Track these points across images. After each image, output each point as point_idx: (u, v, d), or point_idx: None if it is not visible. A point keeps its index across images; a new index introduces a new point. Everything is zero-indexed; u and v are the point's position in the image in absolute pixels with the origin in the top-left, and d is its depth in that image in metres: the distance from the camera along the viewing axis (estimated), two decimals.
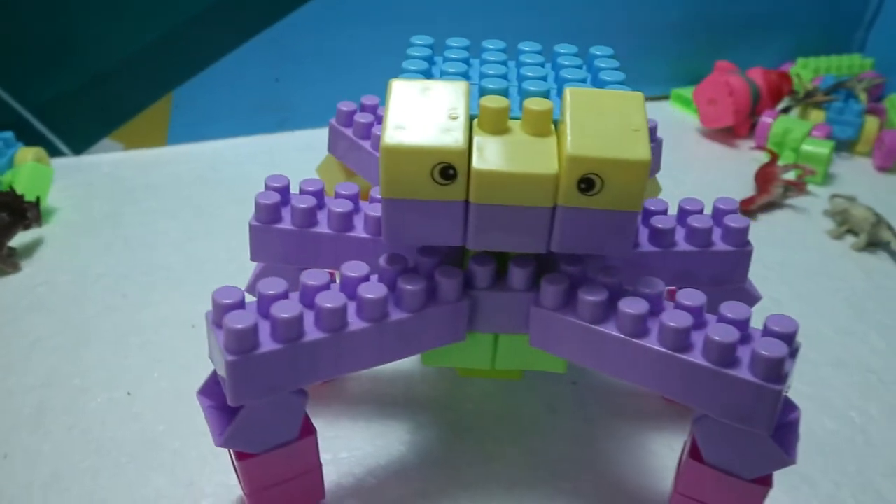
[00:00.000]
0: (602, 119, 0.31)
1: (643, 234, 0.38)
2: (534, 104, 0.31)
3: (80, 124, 0.68)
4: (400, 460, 0.39)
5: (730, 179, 0.69)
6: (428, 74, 0.35)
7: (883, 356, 0.48)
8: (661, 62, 0.85)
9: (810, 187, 0.68)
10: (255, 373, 0.30)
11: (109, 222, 0.60)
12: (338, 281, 0.33)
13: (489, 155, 0.31)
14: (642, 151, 0.30)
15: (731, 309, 0.31)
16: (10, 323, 0.48)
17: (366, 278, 0.33)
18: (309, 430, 0.33)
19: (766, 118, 0.73)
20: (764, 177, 0.65)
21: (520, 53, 0.39)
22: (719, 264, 0.37)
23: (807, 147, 0.68)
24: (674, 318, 0.30)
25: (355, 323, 0.32)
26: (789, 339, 0.30)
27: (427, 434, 0.41)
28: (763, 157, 0.70)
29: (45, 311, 0.49)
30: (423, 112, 0.31)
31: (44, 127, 0.67)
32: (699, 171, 0.71)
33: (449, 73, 0.35)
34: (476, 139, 0.31)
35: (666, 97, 0.86)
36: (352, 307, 0.32)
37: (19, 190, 0.57)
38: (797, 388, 0.44)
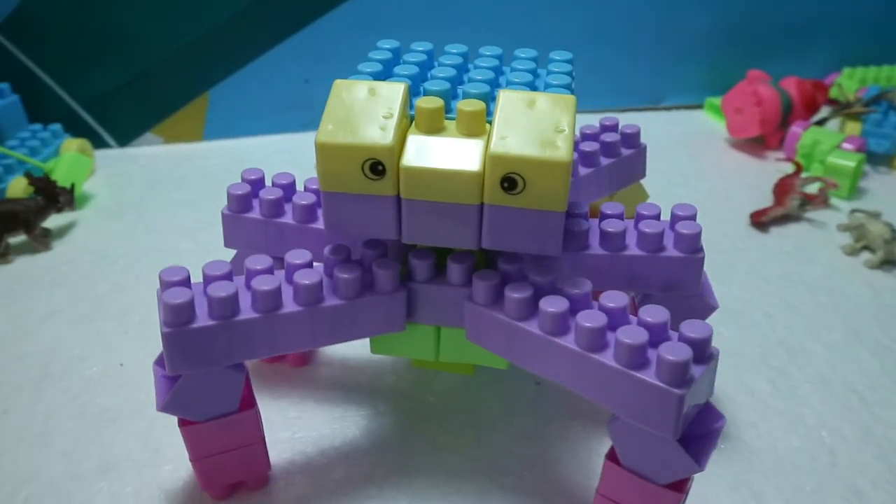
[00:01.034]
0: (530, 120, 0.32)
1: (594, 236, 0.38)
2: (466, 105, 0.33)
3: (124, 119, 0.74)
4: (352, 444, 0.41)
5: (747, 190, 0.67)
6: (381, 77, 0.37)
7: (870, 376, 0.46)
8: (696, 70, 0.84)
9: (835, 202, 0.65)
10: (189, 345, 0.32)
11: (135, 209, 0.64)
12: None
13: (419, 153, 0.32)
14: (563, 152, 0.31)
15: (649, 312, 0.31)
16: (31, 296, 0.53)
17: (308, 265, 0.35)
18: (250, 404, 0.36)
19: (795, 129, 0.70)
20: (781, 188, 0.63)
21: (478, 57, 0.40)
22: (669, 270, 0.37)
23: (833, 159, 0.66)
24: (589, 319, 0.31)
25: (289, 306, 0.34)
26: (700, 344, 0.30)
27: (383, 421, 0.43)
28: (789, 169, 0.68)
29: (63, 286, 0.54)
30: (359, 111, 0.33)
31: (92, 120, 0.73)
32: (717, 180, 0.69)
33: (399, 74, 0.37)
34: (410, 137, 0.33)
35: (700, 106, 0.84)
36: (289, 291, 0.34)
37: (58, 177, 0.62)
38: (770, 404, 0.44)
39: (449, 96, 0.35)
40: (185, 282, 0.33)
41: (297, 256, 0.35)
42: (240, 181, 0.42)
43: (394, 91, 0.33)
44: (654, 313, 0.31)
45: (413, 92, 0.36)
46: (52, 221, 0.62)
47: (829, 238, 0.60)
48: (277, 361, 0.47)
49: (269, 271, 0.34)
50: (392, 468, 0.40)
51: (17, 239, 0.59)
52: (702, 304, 0.39)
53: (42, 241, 0.58)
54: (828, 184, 0.64)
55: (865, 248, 0.58)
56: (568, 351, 0.31)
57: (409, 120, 0.34)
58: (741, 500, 0.38)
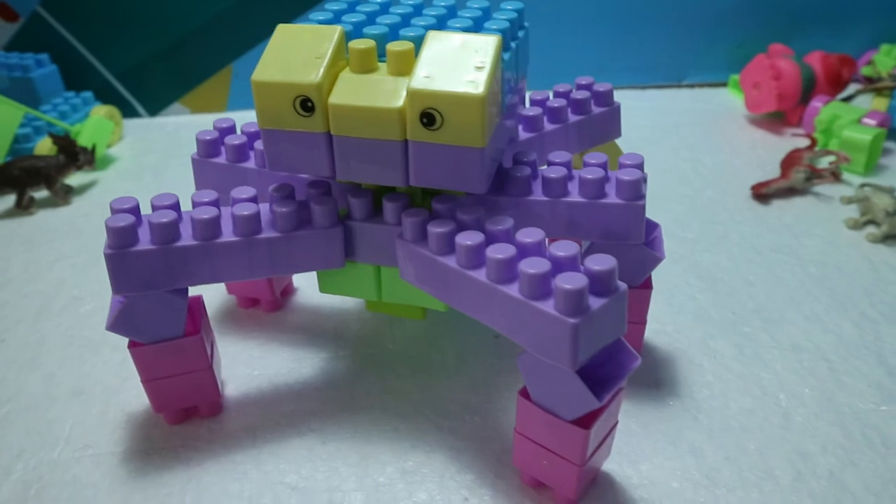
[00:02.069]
0: (452, 59, 0.33)
1: (537, 183, 0.38)
2: (395, 46, 0.34)
3: (154, 89, 0.79)
4: (305, 383, 0.43)
5: (757, 165, 0.65)
6: (328, 23, 0.38)
7: (847, 346, 0.44)
8: (721, 47, 0.81)
9: (851, 177, 0.62)
10: (131, 267, 0.34)
11: (154, 172, 0.68)
12: None
13: (347, 90, 0.34)
14: (478, 88, 0.31)
15: (560, 247, 0.31)
16: (46, 243, 0.58)
17: (251, 200, 0.37)
18: (195, 331, 0.38)
19: (815, 103, 0.68)
20: (788, 161, 0.61)
21: (429, 6, 0.40)
22: (609, 217, 0.37)
23: (849, 133, 0.63)
24: (497, 251, 0.31)
25: (227, 236, 0.36)
26: (602, 276, 0.30)
27: (338, 364, 0.44)
28: (804, 144, 0.66)
29: (75, 236, 0.58)
30: (295, 53, 0.34)
31: (125, 90, 0.78)
32: (728, 155, 0.67)
33: (347, 21, 0.38)
34: (340, 76, 0.34)
35: (724, 84, 0.82)
36: (230, 223, 0.36)
37: (83, 139, 0.67)
38: (730, 367, 0.43)
39: (387, 40, 0.36)
40: (133, 210, 0.36)
41: (242, 192, 0.37)
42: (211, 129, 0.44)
43: (329, 34, 0.35)
44: (565, 247, 0.31)
45: (356, 37, 0.37)
46: (76, 180, 0.67)
47: (834, 212, 0.58)
48: (252, 306, 0.49)
49: (214, 204, 0.36)
50: (338, 406, 0.41)
51: (42, 194, 0.64)
52: (647, 255, 0.38)
53: (62, 195, 0.63)
54: (840, 157, 0.61)
55: (870, 222, 0.55)
56: (478, 283, 0.32)
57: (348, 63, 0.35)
58: (678, 455, 0.37)
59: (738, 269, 0.51)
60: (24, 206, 0.61)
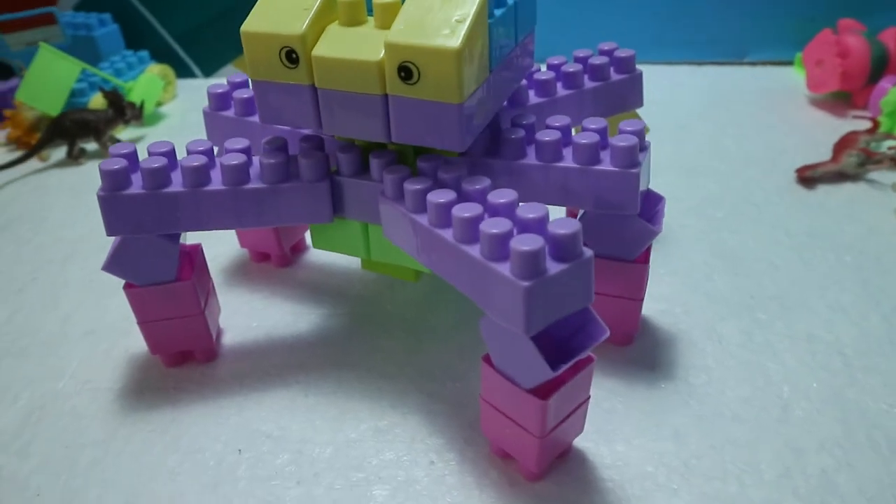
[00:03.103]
0: (433, 12, 0.32)
1: (532, 147, 0.37)
2: None
3: (209, 51, 0.81)
4: (298, 337, 0.43)
5: (809, 147, 0.61)
6: None
7: (868, 342, 0.40)
8: (787, 23, 0.76)
9: None
10: (122, 210, 0.36)
11: (197, 129, 0.70)
12: None
13: (331, 43, 0.33)
14: (454, 41, 0.31)
15: (529, 209, 0.30)
16: (87, 192, 0.61)
17: (243, 151, 0.37)
18: (187, 277, 0.39)
19: (884, 83, 0.62)
20: (841, 144, 0.57)
21: None
22: (602, 185, 0.35)
23: None
24: (463, 210, 0.30)
25: (215, 184, 0.36)
26: (563, 240, 0.28)
27: (333, 322, 0.44)
28: (864, 127, 0.61)
29: (92, 184, 0.61)
30: (285, 4, 0.34)
31: (182, 51, 0.81)
32: (778, 136, 0.63)
33: None
34: (327, 28, 0.34)
35: (791, 63, 0.76)
36: (219, 173, 0.37)
37: (134, 95, 0.70)
38: (735, 353, 0.40)
39: None
40: (130, 156, 0.37)
41: (235, 143, 0.38)
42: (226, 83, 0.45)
43: None
44: (533, 209, 0.30)
45: None
46: (126, 134, 0.70)
47: (885, 200, 0.53)
48: (263, 260, 0.50)
49: (206, 153, 0.37)
50: (326, 361, 0.41)
51: (93, 146, 0.67)
52: (642, 227, 0.36)
53: (109, 147, 0.66)
54: None
55: None
56: (445, 242, 0.31)
57: None
58: (659, 438, 0.35)
59: (764, 251, 0.48)
60: (74, 157, 0.65)
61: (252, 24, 0.34)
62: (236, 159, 0.36)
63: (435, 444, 0.36)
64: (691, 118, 0.67)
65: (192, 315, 0.40)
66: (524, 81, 0.43)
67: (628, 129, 0.36)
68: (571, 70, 0.44)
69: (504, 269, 0.28)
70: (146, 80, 0.71)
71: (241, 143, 0.38)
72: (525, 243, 0.28)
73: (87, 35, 0.74)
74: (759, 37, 0.77)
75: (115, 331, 0.45)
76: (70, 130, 0.64)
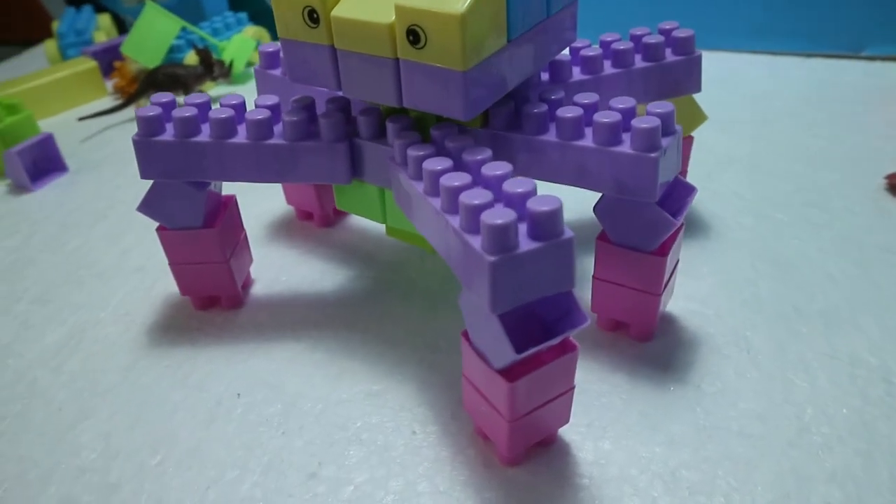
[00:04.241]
0: None
1: (553, 124, 0.36)
2: None
3: None
4: (319, 294, 0.44)
5: None
6: None
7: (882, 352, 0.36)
8: None
9: None
10: (154, 155, 0.38)
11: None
12: None
13: (350, 4, 0.33)
14: (460, 5, 0.30)
15: (517, 183, 0.28)
16: None
17: (272, 107, 0.38)
18: (212, 224, 0.41)
19: None
20: None
21: None
22: (619, 168, 0.33)
23: None
24: (450, 179, 0.30)
25: (239, 137, 0.37)
26: (540, 218, 0.27)
27: (358, 284, 0.45)
28: None
29: None
30: None
31: None
32: (873, 138, 0.57)
33: None
34: None
35: None
36: (244, 127, 0.38)
37: (226, 54, 0.73)
38: (762, 365, 0.37)
39: None
40: (167, 105, 0.39)
41: (265, 99, 0.39)
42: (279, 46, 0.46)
43: None
44: (521, 184, 0.28)
45: None
46: (216, 90, 0.73)
47: None
48: (307, 219, 0.52)
49: (239, 108, 0.38)
50: (340, 321, 0.42)
51: (180, 99, 0.72)
52: (659, 217, 0.34)
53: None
54: None
55: None
56: (433, 211, 0.31)
57: None
58: (652, 442, 0.33)
59: (824, 262, 0.44)
60: None
61: None
62: (260, 115, 0.37)
63: (421, 415, 0.36)
64: (780, 114, 0.61)
65: (216, 262, 0.41)
66: (568, 56, 0.41)
67: (656, 110, 0.34)
68: (621, 48, 0.41)
69: (475, 241, 0.27)
70: (239, 41, 0.74)
71: (272, 99, 0.39)
72: (496, 216, 0.27)
73: None
74: (881, 29, 0.69)
75: (161, 270, 0.48)
76: (162, 83, 0.68)
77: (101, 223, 0.54)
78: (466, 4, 0.30)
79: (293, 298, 0.44)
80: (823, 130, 0.59)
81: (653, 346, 0.39)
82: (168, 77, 0.68)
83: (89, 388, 0.39)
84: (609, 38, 0.43)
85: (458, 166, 0.32)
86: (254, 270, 0.47)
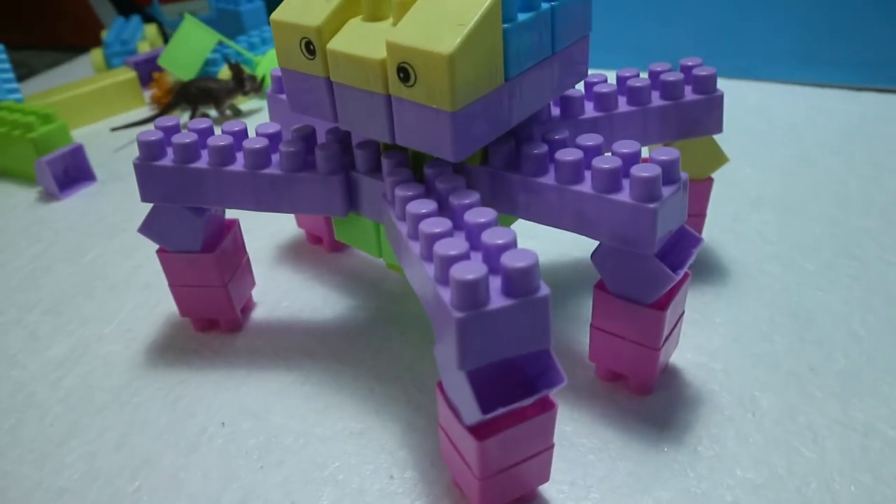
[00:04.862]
0: (442, 13, 0.30)
1: (552, 165, 0.34)
2: None
3: None
4: (318, 322, 0.44)
5: None
6: None
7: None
8: None
9: None
10: (153, 179, 0.38)
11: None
12: None
13: (348, 37, 0.33)
14: (448, 46, 0.29)
15: (497, 233, 0.27)
16: None
17: (270, 137, 0.38)
18: (211, 249, 0.40)
19: None
20: None
21: None
22: (617, 217, 0.32)
23: None
24: (429, 226, 0.29)
25: (237, 166, 0.37)
26: (512, 272, 0.25)
27: (358, 314, 0.44)
28: None
29: None
30: None
31: None
32: None
33: None
34: (349, 22, 0.33)
35: None
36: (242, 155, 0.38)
37: (260, 69, 0.74)
38: (765, 427, 0.35)
39: None
40: (170, 129, 0.39)
41: (266, 128, 0.39)
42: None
43: None
44: (502, 234, 0.27)
45: None
46: (248, 104, 0.74)
47: None
48: (317, 243, 0.51)
49: (239, 135, 0.38)
50: (333, 352, 0.41)
51: (214, 112, 0.73)
52: (657, 269, 0.32)
53: (226, 116, 0.71)
54: None
55: None
56: (412, 255, 0.30)
57: None
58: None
59: (848, 318, 0.41)
60: None
61: (280, 12, 0.34)
62: (258, 143, 0.37)
63: (401, 459, 0.35)
64: (821, 151, 0.58)
65: (214, 286, 0.41)
66: (581, 91, 0.40)
67: (659, 157, 0.32)
68: (637, 85, 0.40)
69: (447, 294, 0.26)
70: (272, 56, 0.75)
71: (273, 127, 0.38)
72: (467, 271, 0.25)
73: (234, 9, 0.80)
74: None
75: (167, 288, 0.47)
76: (194, 97, 0.69)
77: (119, 236, 0.55)
78: (456, 44, 0.29)
79: (292, 325, 0.44)
80: (864, 171, 0.55)
81: (651, 400, 0.37)
82: (200, 90, 0.69)
83: (82, 405, 0.39)
84: (626, 74, 0.41)
85: (444, 209, 0.31)
86: (258, 293, 0.47)
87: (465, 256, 0.27)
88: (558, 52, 0.35)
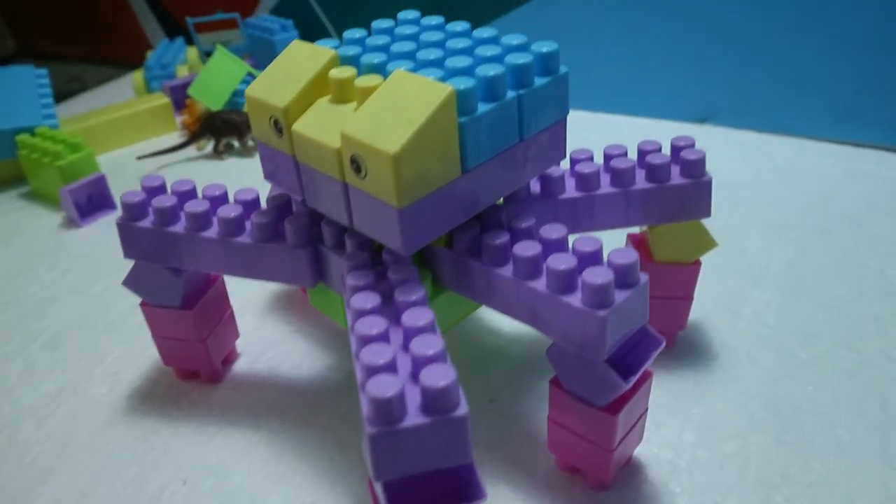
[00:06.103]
0: (397, 105, 0.30)
1: (509, 262, 0.33)
2: (364, 80, 0.32)
3: None
4: (300, 380, 0.44)
5: None
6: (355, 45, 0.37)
7: None
8: None
9: None
10: (134, 239, 0.39)
11: None
12: None
13: (313, 119, 0.33)
14: (394, 144, 0.28)
15: (425, 343, 0.27)
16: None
17: (246, 204, 0.39)
18: (189, 306, 0.41)
19: None
20: None
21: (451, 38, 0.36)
22: (568, 318, 0.31)
23: None
24: (364, 325, 0.28)
25: (211, 232, 0.38)
26: (434, 391, 0.25)
27: (339, 374, 0.44)
28: None
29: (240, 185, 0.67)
30: (289, 71, 0.34)
31: None
32: None
33: (371, 45, 0.36)
34: (317, 102, 0.34)
35: None
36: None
37: None
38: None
39: (384, 70, 0.34)
40: (154, 189, 0.40)
41: (245, 193, 0.39)
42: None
43: (320, 57, 0.34)
44: (429, 344, 0.27)
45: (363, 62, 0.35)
46: None
47: None
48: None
49: (215, 199, 0.39)
50: (302, 414, 0.42)
51: (235, 143, 0.74)
52: (607, 376, 0.31)
53: (248, 148, 0.72)
54: None
55: None
56: (352, 351, 0.30)
57: None
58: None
59: (835, 419, 0.39)
60: (218, 152, 0.72)
61: (254, 87, 0.35)
62: (232, 212, 0.37)
63: None
64: (844, 222, 0.55)
65: (193, 340, 0.42)
66: (563, 169, 0.39)
67: (616, 261, 0.31)
68: (621, 166, 0.38)
69: (365, 405, 0.26)
70: None
71: (251, 193, 0.39)
72: (380, 388, 0.25)
73: (268, 38, 0.82)
74: None
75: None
76: (219, 128, 0.71)
77: (126, 268, 0.57)
78: (403, 142, 0.28)
79: (268, 380, 0.45)
80: (887, 247, 0.52)
81: (608, 497, 0.36)
82: (225, 122, 0.71)
83: (59, 447, 0.41)
84: (614, 152, 0.40)
85: (389, 302, 0.31)
86: (244, 343, 0.47)
87: (391, 366, 0.27)
88: (528, 139, 0.34)
